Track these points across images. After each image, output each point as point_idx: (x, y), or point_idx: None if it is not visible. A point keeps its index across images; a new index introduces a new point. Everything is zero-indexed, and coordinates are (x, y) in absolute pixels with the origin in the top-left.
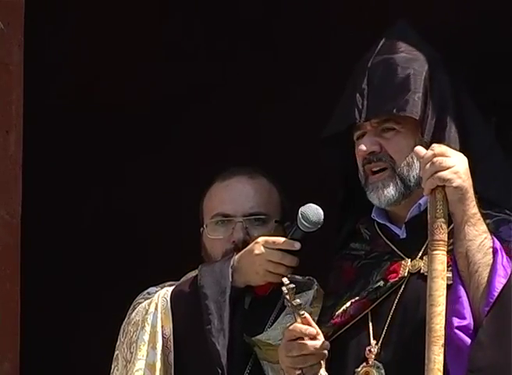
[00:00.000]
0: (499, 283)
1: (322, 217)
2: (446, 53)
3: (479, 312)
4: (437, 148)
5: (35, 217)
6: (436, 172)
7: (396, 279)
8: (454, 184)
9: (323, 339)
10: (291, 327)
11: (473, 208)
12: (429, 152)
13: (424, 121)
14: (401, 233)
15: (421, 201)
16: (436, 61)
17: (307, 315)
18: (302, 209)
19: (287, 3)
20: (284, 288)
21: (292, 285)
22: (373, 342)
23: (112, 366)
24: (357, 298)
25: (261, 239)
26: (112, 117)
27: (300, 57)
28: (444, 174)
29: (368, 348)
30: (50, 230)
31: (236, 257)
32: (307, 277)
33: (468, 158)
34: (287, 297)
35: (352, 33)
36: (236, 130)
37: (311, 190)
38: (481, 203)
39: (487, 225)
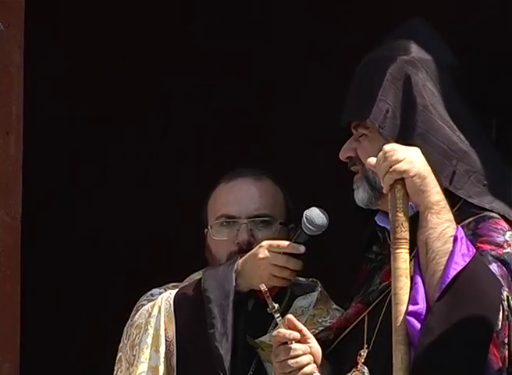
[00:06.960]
0: (454, 270)
1: (327, 220)
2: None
3: (433, 298)
4: (386, 146)
5: (35, 218)
6: (391, 166)
7: (387, 282)
8: (412, 173)
9: (314, 340)
10: (275, 333)
11: (435, 195)
12: (380, 153)
13: (386, 128)
14: None
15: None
16: (429, 62)
17: (290, 316)
18: (307, 213)
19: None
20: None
21: (265, 288)
22: (365, 346)
23: (115, 368)
24: (355, 301)
25: (265, 243)
26: (113, 118)
27: (301, 57)
28: (399, 166)
29: (359, 352)
30: (50, 232)
31: (240, 261)
32: (310, 279)
33: (461, 160)
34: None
35: (355, 32)
36: (237, 131)
37: (313, 191)
38: (469, 204)
39: (468, 223)
